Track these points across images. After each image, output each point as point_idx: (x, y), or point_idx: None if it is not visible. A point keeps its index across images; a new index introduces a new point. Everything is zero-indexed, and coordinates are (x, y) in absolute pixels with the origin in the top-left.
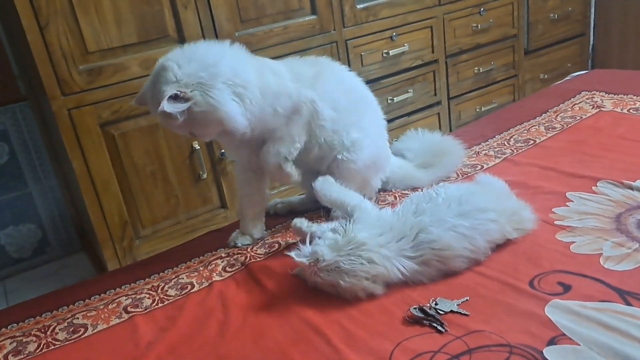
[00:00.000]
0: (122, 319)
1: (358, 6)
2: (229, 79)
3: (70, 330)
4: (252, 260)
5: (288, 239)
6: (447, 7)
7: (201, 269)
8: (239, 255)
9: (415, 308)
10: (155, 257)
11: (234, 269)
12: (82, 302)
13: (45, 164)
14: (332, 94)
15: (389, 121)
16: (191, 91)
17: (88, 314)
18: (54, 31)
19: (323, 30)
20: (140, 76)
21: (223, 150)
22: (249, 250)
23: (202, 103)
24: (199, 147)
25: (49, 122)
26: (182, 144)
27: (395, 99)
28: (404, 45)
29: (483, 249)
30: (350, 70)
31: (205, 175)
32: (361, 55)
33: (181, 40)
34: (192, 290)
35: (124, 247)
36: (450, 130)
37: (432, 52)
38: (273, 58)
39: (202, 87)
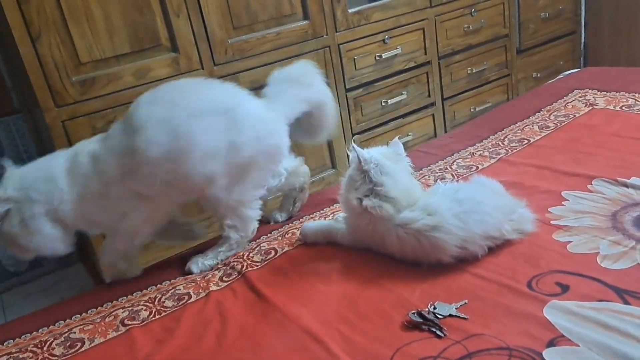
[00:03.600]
0: (119, 332)
1: (350, 10)
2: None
3: (67, 345)
4: (249, 269)
5: (284, 245)
6: (439, 9)
7: (198, 279)
8: (236, 264)
9: (413, 313)
10: (151, 268)
11: (230, 278)
12: (79, 315)
13: None
14: None
15: (384, 124)
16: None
17: (85, 328)
18: (46, 43)
19: (316, 35)
20: (133, 86)
21: None
22: (245, 258)
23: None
24: None
25: (43, 134)
26: None
27: (389, 101)
28: (396, 48)
29: (478, 238)
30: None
31: None
32: (354, 59)
33: (174, 48)
34: (189, 301)
35: None
36: (445, 131)
37: (425, 53)
38: (266, 64)
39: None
